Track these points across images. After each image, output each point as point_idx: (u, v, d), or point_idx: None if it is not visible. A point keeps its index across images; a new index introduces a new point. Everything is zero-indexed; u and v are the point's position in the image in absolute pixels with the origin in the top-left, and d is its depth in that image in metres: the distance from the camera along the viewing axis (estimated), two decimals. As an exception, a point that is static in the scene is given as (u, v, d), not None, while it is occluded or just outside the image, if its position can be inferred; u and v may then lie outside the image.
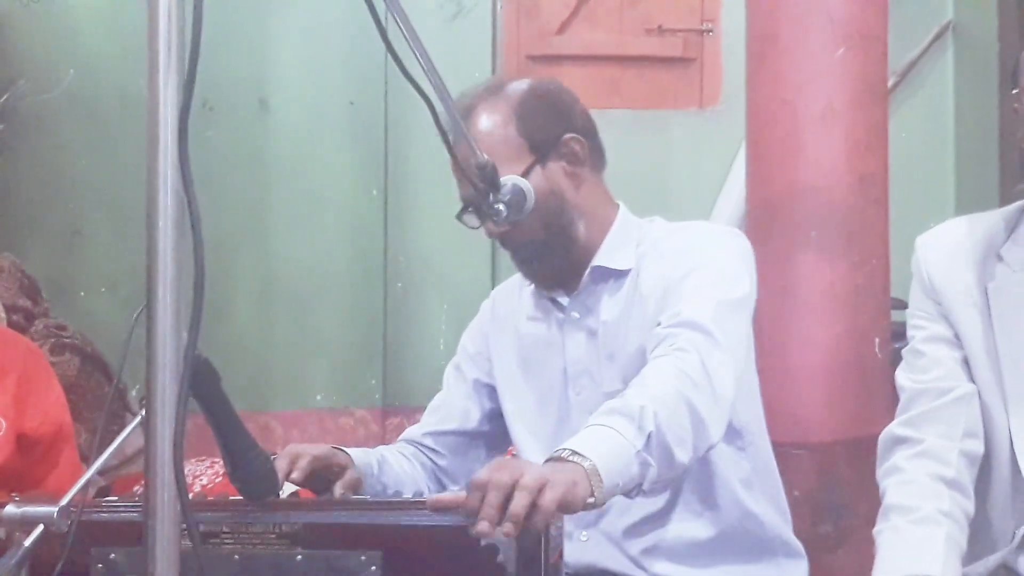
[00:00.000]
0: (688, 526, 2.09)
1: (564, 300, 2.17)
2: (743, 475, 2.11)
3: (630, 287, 2.12)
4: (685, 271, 2.03)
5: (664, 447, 1.74)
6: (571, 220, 2.13)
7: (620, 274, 2.13)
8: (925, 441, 1.91)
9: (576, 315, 2.15)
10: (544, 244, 2.11)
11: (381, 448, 2.27)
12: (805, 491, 3.12)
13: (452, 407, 2.31)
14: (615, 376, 2.09)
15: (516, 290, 2.29)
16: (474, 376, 2.30)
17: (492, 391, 2.28)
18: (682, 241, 2.12)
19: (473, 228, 2.13)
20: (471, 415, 2.29)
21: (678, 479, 2.03)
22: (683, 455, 1.78)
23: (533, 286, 2.22)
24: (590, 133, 2.17)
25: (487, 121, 2.10)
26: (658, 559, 2.09)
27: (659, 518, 2.09)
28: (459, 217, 2.13)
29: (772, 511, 2.15)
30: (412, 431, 2.32)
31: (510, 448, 2.33)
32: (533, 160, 2.10)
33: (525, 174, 2.08)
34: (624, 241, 2.15)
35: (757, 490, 2.13)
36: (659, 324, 1.97)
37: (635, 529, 2.10)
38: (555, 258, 2.13)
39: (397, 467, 2.21)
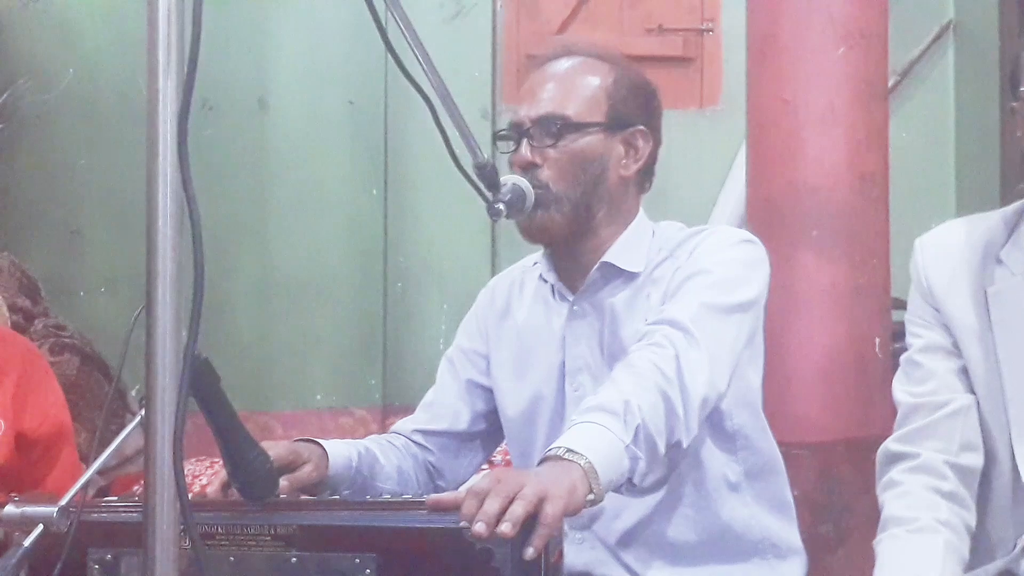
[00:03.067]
0: (679, 529, 2.08)
1: (570, 296, 2.15)
2: (733, 479, 2.10)
3: (638, 290, 2.10)
4: (685, 276, 2.03)
5: (650, 440, 1.76)
6: (599, 199, 2.10)
7: (629, 275, 2.11)
8: (921, 456, 1.90)
9: (579, 310, 2.13)
10: (570, 194, 2.08)
11: (368, 439, 2.23)
12: (805, 491, 3.12)
13: (443, 407, 2.26)
14: None
15: (517, 280, 2.26)
16: (467, 376, 2.26)
17: (485, 393, 2.24)
18: (691, 245, 2.09)
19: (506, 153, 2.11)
20: (462, 416, 2.25)
21: (664, 481, 2.04)
22: (663, 447, 1.80)
23: (540, 271, 2.18)
24: (656, 145, 2.17)
25: (584, 67, 2.12)
26: (652, 564, 2.08)
27: (651, 523, 2.08)
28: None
29: (764, 513, 2.13)
30: (403, 424, 2.28)
31: (500, 446, 2.32)
32: (603, 123, 2.09)
33: (591, 129, 2.08)
34: (637, 243, 2.12)
35: (747, 493, 2.11)
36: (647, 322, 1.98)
37: (629, 535, 2.09)
38: (574, 217, 2.08)
39: (383, 459, 2.17)
